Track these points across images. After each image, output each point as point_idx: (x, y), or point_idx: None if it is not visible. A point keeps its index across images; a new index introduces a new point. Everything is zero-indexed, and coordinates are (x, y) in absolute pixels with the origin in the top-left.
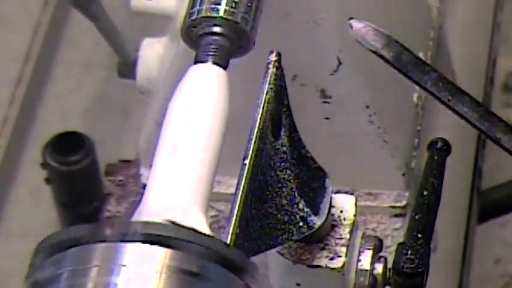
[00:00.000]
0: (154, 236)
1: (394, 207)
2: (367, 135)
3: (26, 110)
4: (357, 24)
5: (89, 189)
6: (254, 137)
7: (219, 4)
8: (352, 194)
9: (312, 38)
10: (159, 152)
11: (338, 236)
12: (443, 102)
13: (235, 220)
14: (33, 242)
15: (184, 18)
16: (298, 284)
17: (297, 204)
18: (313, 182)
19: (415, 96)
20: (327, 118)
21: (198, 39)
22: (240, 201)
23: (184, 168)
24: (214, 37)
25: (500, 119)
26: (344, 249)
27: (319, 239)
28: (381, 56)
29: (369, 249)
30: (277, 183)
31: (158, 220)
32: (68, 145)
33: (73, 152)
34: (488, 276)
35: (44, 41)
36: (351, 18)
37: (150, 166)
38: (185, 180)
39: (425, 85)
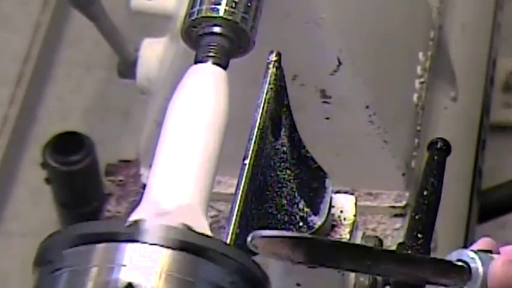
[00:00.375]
0: (154, 236)
1: (394, 207)
2: (367, 135)
3: (26, 110)
4: (259, 241)
5: (89, 189)
6: (254, 137)
7: (219, 4)
8: (352, 194)
9: (312, 38)
10: (159, 151)
11: (338, 236)
12: (364, 272)
13: (235, 220)
14: (33, 242)
15: (184, 18)
16: (298, 284)
17: (297, 204)
18: (313, 182)
19: (415, 96)
20: (327, 118)
21: (198, 39)
22: (240, 201)
23: (184, 168)
24: (214, 37)
25: (417, 261)
26: None
27: None
28: (294, 261)
29: None
30: (277, 183)
31: (157, 220)
32: (68, 145)
33: (73, 152)
34: None
35: (44, 41)
36: (252, 239)
37: (150, 166)
38: (185, 180)
39: (342, 265)
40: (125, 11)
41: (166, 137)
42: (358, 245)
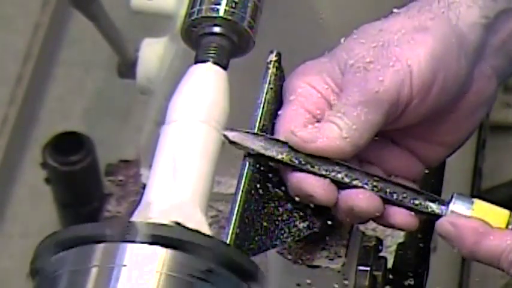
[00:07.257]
0: (155, 236)
1: None
2: None
3: (26, 110)
4: (231, 134)
5: (89, 189)
6: None
7: (219, 4)
8: None
9: (312, 38)
10: (158, 152)
11: (338, 236)
12: (339, 182)
13: (235, 220)
14: (33, 242)
15: (184, 18)
16: (298, 284)
17: (297, 203)
18: None
19: None
20: None
21: (198, 39)
22: (240, 201)
23: (184, 169)
24: (214, 37)
25: (395, 183)
26: (344, 249)
27: (319, 239)
28: (263, 156)
29: (369, 249)
30: (278, 183)
31: (158, 220)
32: (68, 145)
33: (73, 152)
34: (488, 276)
35: (44, 41)
36: (226, 130)
37: (150, 166)
38: (185, 181)
39: (316, 170)
40: (125, 11)
41: (166, 137)
42: (337, 162)
